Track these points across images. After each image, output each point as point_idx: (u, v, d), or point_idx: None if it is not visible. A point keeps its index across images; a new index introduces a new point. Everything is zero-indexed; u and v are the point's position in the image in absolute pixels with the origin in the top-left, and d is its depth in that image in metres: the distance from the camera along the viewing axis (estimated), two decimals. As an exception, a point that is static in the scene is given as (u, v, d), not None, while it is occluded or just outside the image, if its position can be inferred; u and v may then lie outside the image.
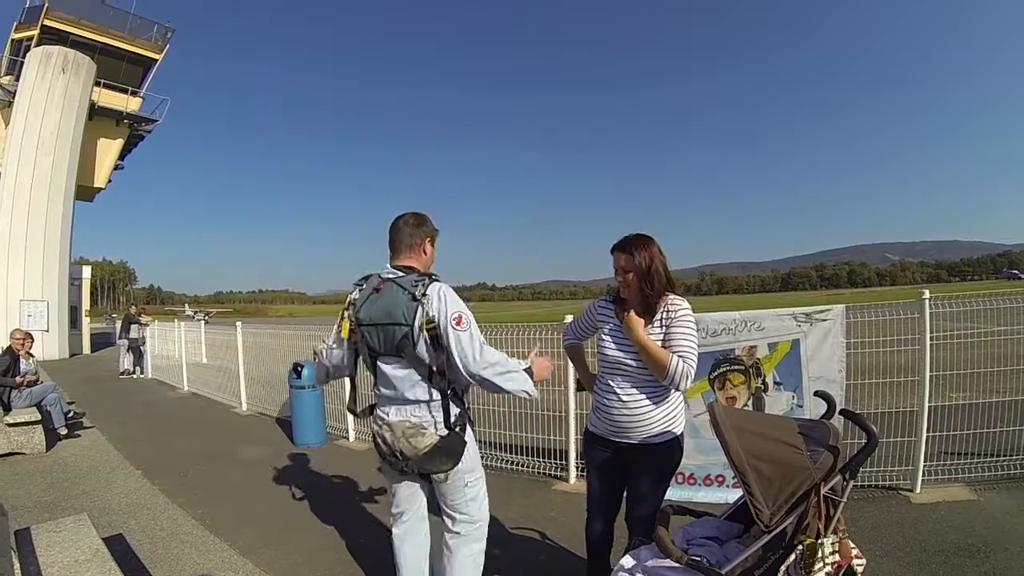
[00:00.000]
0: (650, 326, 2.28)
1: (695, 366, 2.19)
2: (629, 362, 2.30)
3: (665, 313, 2.27)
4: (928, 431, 3.92)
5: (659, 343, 2.23)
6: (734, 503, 2.14)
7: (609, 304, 2.46)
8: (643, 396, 2.28)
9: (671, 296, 2.30)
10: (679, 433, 2.35)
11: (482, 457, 2.60)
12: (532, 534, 3.59)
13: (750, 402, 3.92)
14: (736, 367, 3.95)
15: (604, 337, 2.42)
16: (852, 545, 1.77)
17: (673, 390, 2.26)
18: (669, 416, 2.31)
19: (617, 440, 2.35)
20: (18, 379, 6.73)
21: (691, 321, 2.26)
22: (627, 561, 1.98)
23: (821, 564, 1.69)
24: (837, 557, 1.72)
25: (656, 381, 2.24)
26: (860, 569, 1.77)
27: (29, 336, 7.32)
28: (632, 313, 2.30)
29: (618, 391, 2.31)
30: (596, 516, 2.52)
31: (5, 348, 7.09)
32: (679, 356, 2.16)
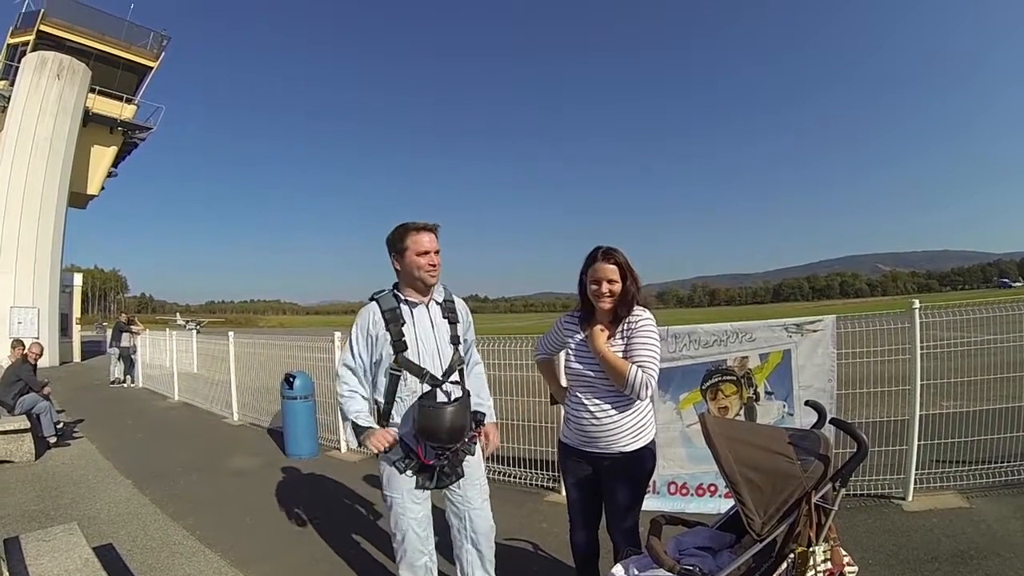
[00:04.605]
0: (612, 338, 2.31)
1: (656, 375, 2.21)
2: (592, 374, 2.33)
3: (627, 324, 2.30)
4: (919, 439, 3.95)
5: (621, 354, 2.26)
6: (726, 513, 2.14)
7: (575, 318, 2.50)
8: (610, 407, 2.30)
9: (635, 308, 2.32)
10: (650, 442, 2.37)
11: None
12: (524, 545, 3.58)
13: (741, 412, 3.94)
14: (728, 377, 3.97)
15: (569, 351, 2.45)
16: (844, 553, 1.78)
17: (637, 400, 2.27)
18: (638, 425, 2.32)
19: (589, 450, 2.37)
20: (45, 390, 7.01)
21: (652, 331, 2.28)
22: (618, 570, 1.98)
23: (813, 572, 1.70)
24: (829, 565, 1.73)
25: (621, 391, 2.25)
26: (852, 577, 1.78)
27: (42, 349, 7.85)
28: (595, 326, 2.33)
29: (586, 403, 2.34)
30: (579, 526, 2.53)
31: (22, 357, 7.14)
32: (638, 366, 2.19)
